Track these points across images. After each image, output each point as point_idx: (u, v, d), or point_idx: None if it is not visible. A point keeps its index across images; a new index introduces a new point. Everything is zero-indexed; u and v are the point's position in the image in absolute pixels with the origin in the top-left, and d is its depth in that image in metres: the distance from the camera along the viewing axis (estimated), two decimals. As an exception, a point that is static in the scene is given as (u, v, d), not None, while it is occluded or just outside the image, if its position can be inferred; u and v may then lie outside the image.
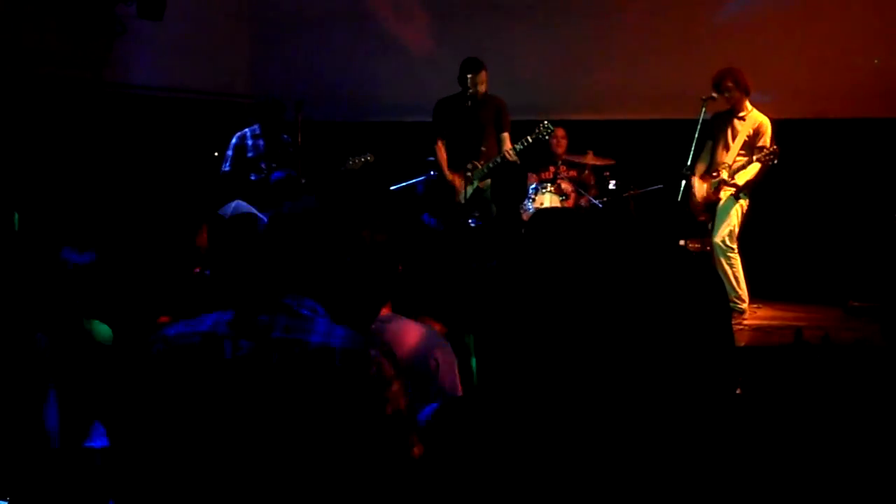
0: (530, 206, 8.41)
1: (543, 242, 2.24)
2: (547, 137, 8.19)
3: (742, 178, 7.47)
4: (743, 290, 7.67)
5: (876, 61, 8.51)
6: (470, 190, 8.01)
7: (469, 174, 7.97)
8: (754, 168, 7.45)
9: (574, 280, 1.62)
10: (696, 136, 7.40)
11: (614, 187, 8.72)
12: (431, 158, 8.52)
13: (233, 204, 4.68)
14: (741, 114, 7.55)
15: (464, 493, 1.72)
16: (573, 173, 8.91)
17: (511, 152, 7.86)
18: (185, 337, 2.14)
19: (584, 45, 9.72)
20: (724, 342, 1.61)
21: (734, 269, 7.56)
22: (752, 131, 7.50)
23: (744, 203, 7.57)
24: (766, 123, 7.48)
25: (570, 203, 8.49)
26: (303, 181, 7.89)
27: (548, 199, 8.39)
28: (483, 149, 7.96)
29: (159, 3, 9.12)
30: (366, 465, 2.06)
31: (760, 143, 7.44)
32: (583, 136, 9.12)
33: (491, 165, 7.99)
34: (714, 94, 7.44)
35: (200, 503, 2.08)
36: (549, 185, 8.52)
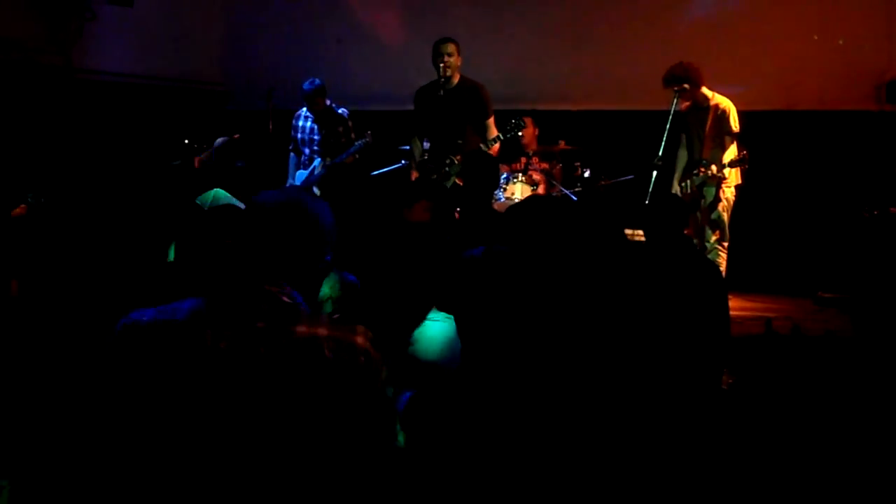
0: (501, 196, 8.38)
1: (532, 231, 2.22)
2: (520, 133, 8.13)
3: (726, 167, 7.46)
4: None
5: (840, 41, 8.56)
6: (447, 186, 7.76)
7: (447, 169, 7.62)
8: (731, 152, 7.43)
9: (564, 269, 1.62)
10: (668, 126, 7.40)
11: (586, 178, 8.71)
12: (404, 147, 8.45)
13: (211, 194, 4.60)
14: (704, 105, 7.54)
15: (446, 481, 1.72)
16: (545, 165, 8.90)
17: (483, 147, 7.64)
18: (160, 324, 2.07)
19: (556, 36, 9.73)
20: (719, 328, 1.61)
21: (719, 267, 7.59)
22: (716, 117, 7.48)
23: (729, 197, 7.55)
24: (730, 105, 7.46)
25: (540, 193, 8.47)
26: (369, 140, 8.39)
27: (519, 189, 8.36)
28: (459, 142, 7.66)
29: (130, -11, 9.09)
30: (356, 456, 2.02)
31: (727, 127, 7.43)
32: (554, 126, 9.12)
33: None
34: (675, 88, 7.43)
35: (186, 499, 2.02)
36: (520, 174, 8.49)
